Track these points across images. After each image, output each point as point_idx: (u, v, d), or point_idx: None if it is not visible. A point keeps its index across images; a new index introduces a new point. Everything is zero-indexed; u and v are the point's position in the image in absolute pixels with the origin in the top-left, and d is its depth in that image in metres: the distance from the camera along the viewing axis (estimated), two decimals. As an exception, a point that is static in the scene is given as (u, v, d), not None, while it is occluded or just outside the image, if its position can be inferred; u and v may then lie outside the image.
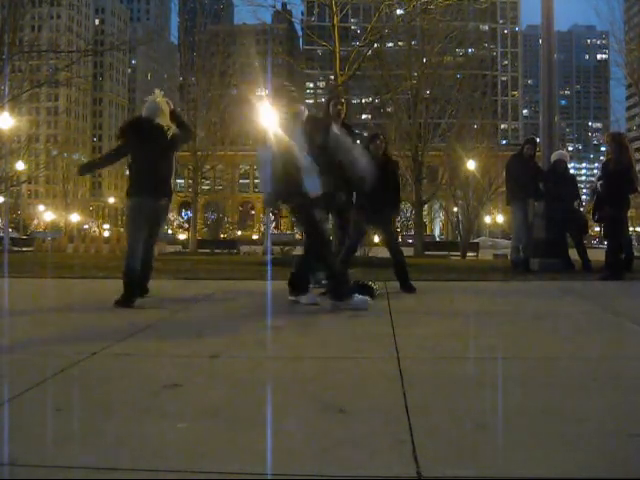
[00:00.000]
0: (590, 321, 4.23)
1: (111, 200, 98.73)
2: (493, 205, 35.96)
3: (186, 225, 61.67)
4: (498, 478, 1.62)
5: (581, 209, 9.30)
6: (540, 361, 2.97)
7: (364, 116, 36.09)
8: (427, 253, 23.91)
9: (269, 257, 12.44)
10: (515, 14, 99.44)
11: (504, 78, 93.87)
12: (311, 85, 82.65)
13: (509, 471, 1.64)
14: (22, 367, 2.83)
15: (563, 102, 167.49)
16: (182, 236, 52.78)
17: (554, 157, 8.79)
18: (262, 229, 65.65)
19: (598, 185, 7.63)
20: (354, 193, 5.93)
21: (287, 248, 12.71)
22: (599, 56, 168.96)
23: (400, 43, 26.85)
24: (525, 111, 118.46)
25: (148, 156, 4.97)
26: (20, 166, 33.18)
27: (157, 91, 5.28)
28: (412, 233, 37.10)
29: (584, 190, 52.26)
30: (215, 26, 37.88)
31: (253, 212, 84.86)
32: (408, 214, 45.24)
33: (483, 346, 3.28)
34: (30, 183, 60.07)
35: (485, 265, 11.28)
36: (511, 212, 9.50)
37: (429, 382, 2.55)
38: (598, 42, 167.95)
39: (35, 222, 73.78)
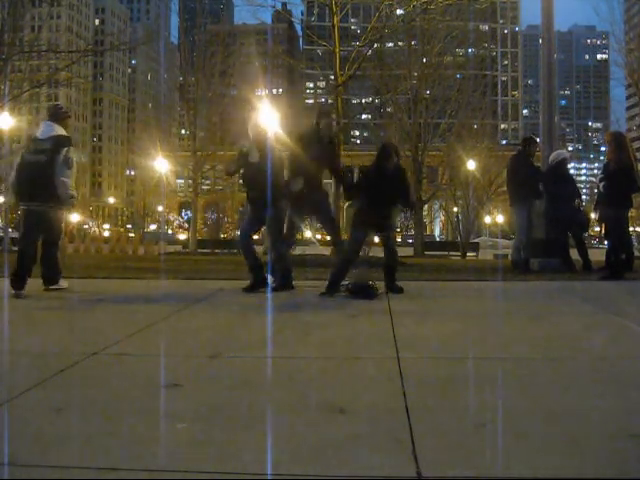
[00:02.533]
0: (590, 321, 4.23)
1: (111, 200, 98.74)
2: (493, 205, 35.98)
3: (186, 225, 61.70)
4: (498, 478, 1.62)
5: (581, 208, 9.27)
6: (540, 361, 2.97)
7: (364, 116, 36.08)
8: (427, 253, 23.95)
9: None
10: (515, 14, 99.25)
11: (504, 78, 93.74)
12: (311, 85, 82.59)
13: (509, 471, 1.64)
14: (22, 367, 2.83)
15: (563, 102, 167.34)
16: (182, 236, 52.82)
17: (559, 156, 8.70)
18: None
19: (600, 186, 7.62)
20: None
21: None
22: (599, 56, 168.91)
23: (400, 43, 26.87)
24: (525, 111, 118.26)
25: None
26: (20, 166, 32.99)
27: None
28: (412, 233, 37.15)
29: (584, 190, 52.32)
30: (215, 26, 37.87)
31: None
32: (408, 214, 45.26)
33: (483, 346, 3.28)
34: (30, 183, 59.86)
35: (485, 265, 11.28)
36: (514, 212, 9.45)
37: (429, 382, 2.55)
38: (598, 42, 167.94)
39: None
